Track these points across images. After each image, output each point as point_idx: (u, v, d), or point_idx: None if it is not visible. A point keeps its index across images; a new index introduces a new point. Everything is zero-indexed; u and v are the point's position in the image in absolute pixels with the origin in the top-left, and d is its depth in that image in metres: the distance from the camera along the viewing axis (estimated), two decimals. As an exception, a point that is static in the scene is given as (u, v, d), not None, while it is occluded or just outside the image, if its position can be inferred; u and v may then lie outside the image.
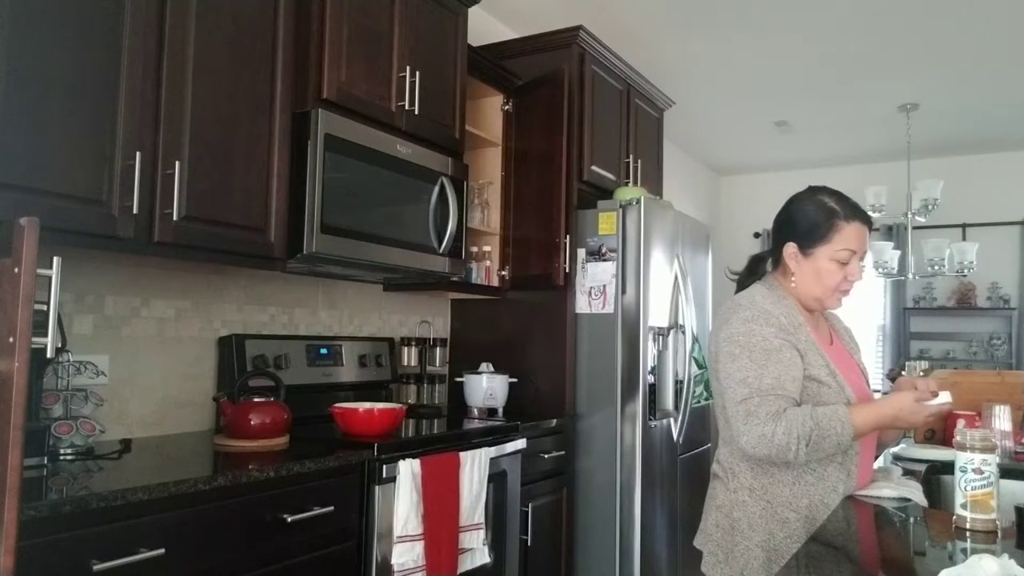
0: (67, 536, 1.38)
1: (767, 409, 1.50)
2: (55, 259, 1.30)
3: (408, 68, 2.56)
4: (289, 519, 1.79)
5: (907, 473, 1.88)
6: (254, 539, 1.74)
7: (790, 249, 1.67)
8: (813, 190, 1.70)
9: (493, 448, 2.47)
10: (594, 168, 3.37)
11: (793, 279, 1.68)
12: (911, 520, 1.45)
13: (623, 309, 3.14)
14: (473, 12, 3.00)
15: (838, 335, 1.79)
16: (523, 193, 3.32)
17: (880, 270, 4.96)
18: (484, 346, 3.33)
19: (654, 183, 3.96)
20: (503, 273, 3.31)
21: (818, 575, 1.13)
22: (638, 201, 3.17)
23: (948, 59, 4.20)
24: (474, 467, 2.32)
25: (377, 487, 2.06)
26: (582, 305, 3.22)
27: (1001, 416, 2.22)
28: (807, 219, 1.65)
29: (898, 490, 1.58)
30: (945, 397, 1.54)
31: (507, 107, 3.35)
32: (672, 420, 3.37)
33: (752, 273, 1.79)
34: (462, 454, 2.29)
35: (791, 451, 1.47)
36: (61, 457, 1.78)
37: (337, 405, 2.27)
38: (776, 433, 1.47)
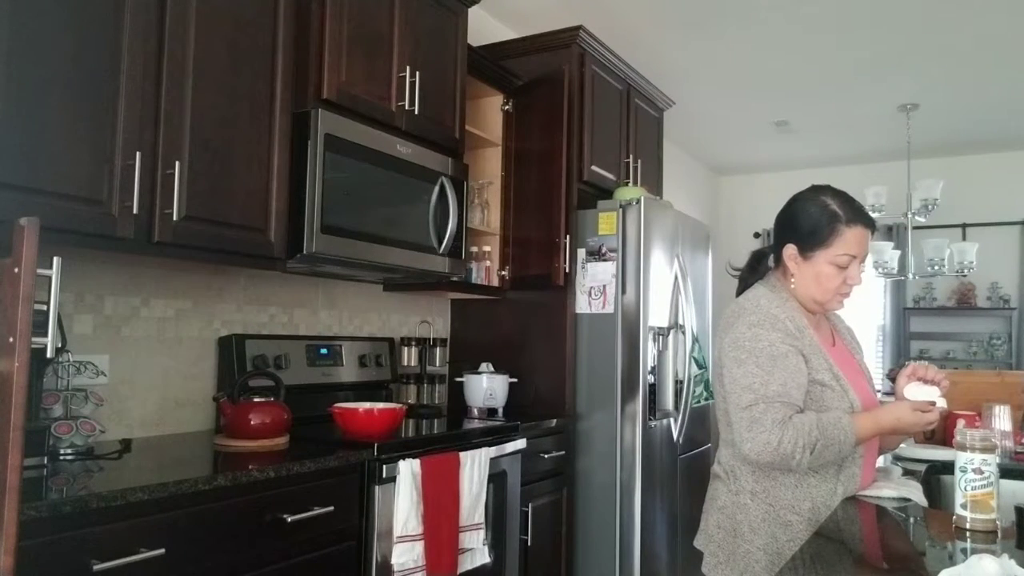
0: (67, 536, 1.38)
1: (773, 416, 1.49)
2: (55, 259, 1.30)
3: (408, 68, 2.56)
4: (289, 519, 1.79)
5: (907, 473, 1.89)
6: (254, 539, 1.74)
7: (790, 251, 1.66)
8: (816, 190, 1.67)
9: (493, 448, 2.47)
10: (594, 168, 3.37)
11: (793, 280, 1.68)
12: (911, 520, 1.45)
13: (623, 309, 3.14)
14: (473, 12, 3.00)
15: (840, 335, 1.78)
16: (523, 193, 3.32)
17: (880, 270, 4.97)
18: (484, 346, 3.33)
19: (654, 183, 3.96)
20: (503, 273, 3.31)
21: (819, 574, 1.13)
22: (638, 201, 3.17)
23: (948, 59, 4.20)
24: (474, 467, 2.32)
25: (377, 487, 2.06)
26: (582, 305, 3.22)
27: (1001, 416, 2.22)
28: (808, 221, 1.63)
29: (898, 490, 1.58)
30: (939, 401, 1.54)
31: (507, 107, 3.35)
32: (672, 420, 3.37)
33: (754, 270, 1.77)
34: (462, 454, 2.29)
35: (794, 459, 1.47)
36: (61, 457, 1.78)
37: (337, 405, 2.27)
38: (782, 441, 1.46)
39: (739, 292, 1.76)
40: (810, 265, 1.63)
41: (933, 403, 1.54)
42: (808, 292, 1.65)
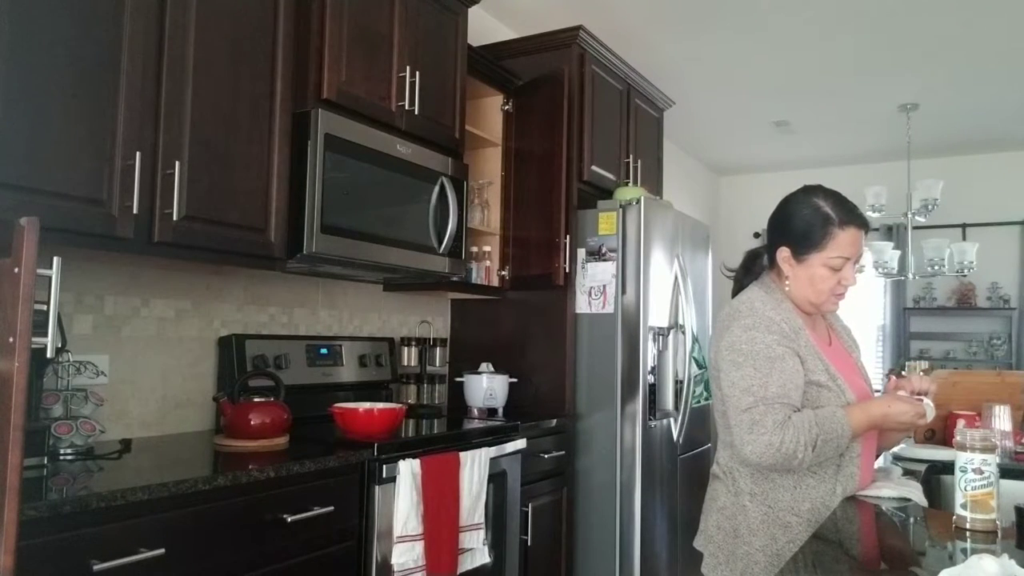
0: (67, 536, 1.38)
1: (773, 418, 1.48)
2: (55, 259, 1.30)
3: (408, 68, 2.56)
4: (289, 519, 1.79)
5: (907, 473, 1.88)
6: (254, 539, 1.74)
7: (783, 253, 1.66)
8: (808, 191, 1.66)
9: (493, 448, 2.47)
10: (594, 168, 3.37)
11: (787, 282, 1.67)
12: (911, 520, 1.45)
13: (623, 309, 3.14)
14: (473, 12, 3.00)
15: (836, 334, 1.78)
16: (523, 193, 3.32)
17: (880, 270, 4.97)
18: (484, 346, 3.33)
19: (654, 183, 3.96)
20: (503, 273, 3.31)
21: (819, 574, 1.13)
22: (638, 201, 3.17)
23: (948, 59, 4.20)
24: (474, 467, 2.32)
25: (377, 487, 2.06)
26: (582, 305, 3.22)
27: (1001, 416, 2.22)
28: (801, 224, 1.62)
29: (898, 490, 1.58)
30: (927, 404, 1.56)
31: (507, 107, 3.35)
32: (672, 420, 3.37)
33: (748, 271, 1.77)
34: (462, 454, 2.29)
35: (797, 458, 1.47)
36: (61, 457, 1.78)
37: (337, 405, 2.27)
38: (784, 442, 1.46)
39: (734, 293, 1.76)
40: (804, 267, 1.63)
41: (921, 398, 1.56)
42: (803, 294, 1.65)
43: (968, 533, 1.30)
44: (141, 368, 2.20)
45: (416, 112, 2.58)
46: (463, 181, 2.82)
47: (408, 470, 2.09)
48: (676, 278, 3.42)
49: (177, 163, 1.88)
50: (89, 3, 1.71)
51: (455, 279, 2.87)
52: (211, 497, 1.64)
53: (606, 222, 3.20)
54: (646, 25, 3.87)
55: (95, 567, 1.39)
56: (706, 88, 4.79)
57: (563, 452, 3.07)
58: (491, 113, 3.36)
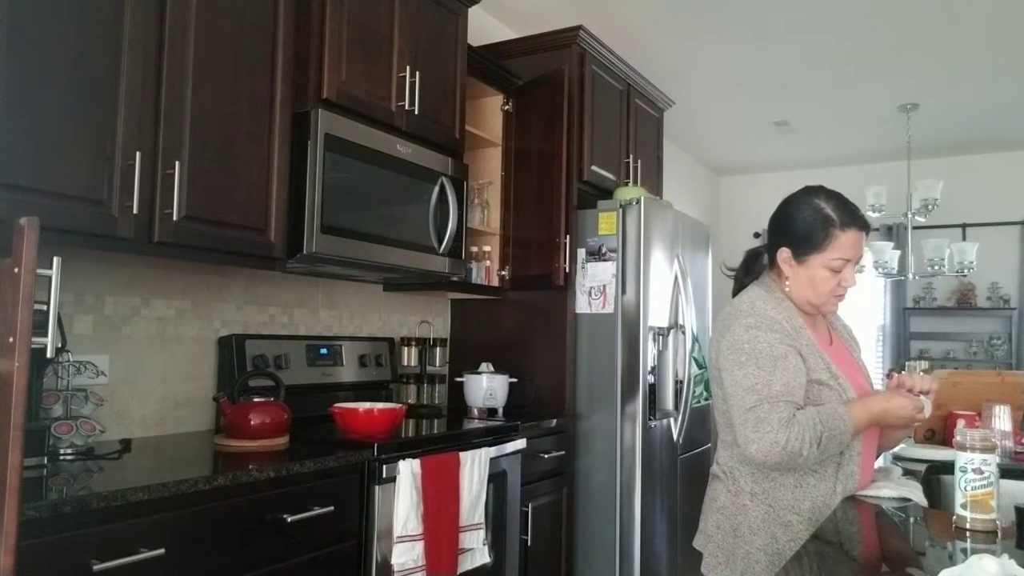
0: (67, 536, 1.38)
1: (778, 416, 1.48)
2: (55, 259, 1.30)
3: (408, 68, 2.56)
4: (289, 519, 1.79)
5: (907, 473, 1.89)
6: (254, 539, 1.74)
7: (784, 254, 1.66)
8: (809, 192, 1.66)
9: (493, 448, 2.47)
10: (594, 168, 3.37)
11: (787, 283, 1.67)
12: (911, 520, 1.45)
13: (623, 309, 3.14)
14: (473, 12, 3.00)
15: (837, 334, 1.78)
16: (523, 193, 3.32)
17: (880, 270, 4.97)
18: (484, 346, 3.33)
19: (654, 183, 3.96)
20: (503, 273, 3.31)
21: (819, 574, 1.13)
22: (638, 201, 3.17)
23: (948, 59, 4.20)
24: (474, 467, 2.32)
25: (377, 487, 2.06)
26: (582, 305, 3.22)
27: (1001, 416, 2.22)
28: (802, 226, 1.62)
29: (898, 490, 1.58)
30: (924, 400, 1.58)
31: (507, 107, 3.35)
32: (672, 420, 3.37)
33: (748, 271, 1.77)
34: (462, 454, 2.29)
35: (802, 456, 1.47)
36: (61, 457, 1.78)
37: (337, 405, 2.27)
38: (789, 439, 1.46)
39: (735, 292, 1.76)
40: (804, 268, 1.63)
41: (919, 397, 1.59)
42: (803, 295, 1.65)
43: (968, 533, 1.30)
44: (141, 368, 2.20)
45: (416, 112, 2.58)
46: (463, 181, 2.82)
47: (408, 470, 2.09)
48: (676, 278, 3.42)
49: (177, 163, 1.88)
50: (89, 3, 1.71)
51: (455, 279, 2.87)
52: (211, 497, 1.64)
53: (606, 222, 3.20)
54: (646, 25, 3.87)
55: (95, 567, 1.39)
56: (706, 88, 4.79)
57: (563, 452, 3.07)
58: (491, 113, 3.36)
